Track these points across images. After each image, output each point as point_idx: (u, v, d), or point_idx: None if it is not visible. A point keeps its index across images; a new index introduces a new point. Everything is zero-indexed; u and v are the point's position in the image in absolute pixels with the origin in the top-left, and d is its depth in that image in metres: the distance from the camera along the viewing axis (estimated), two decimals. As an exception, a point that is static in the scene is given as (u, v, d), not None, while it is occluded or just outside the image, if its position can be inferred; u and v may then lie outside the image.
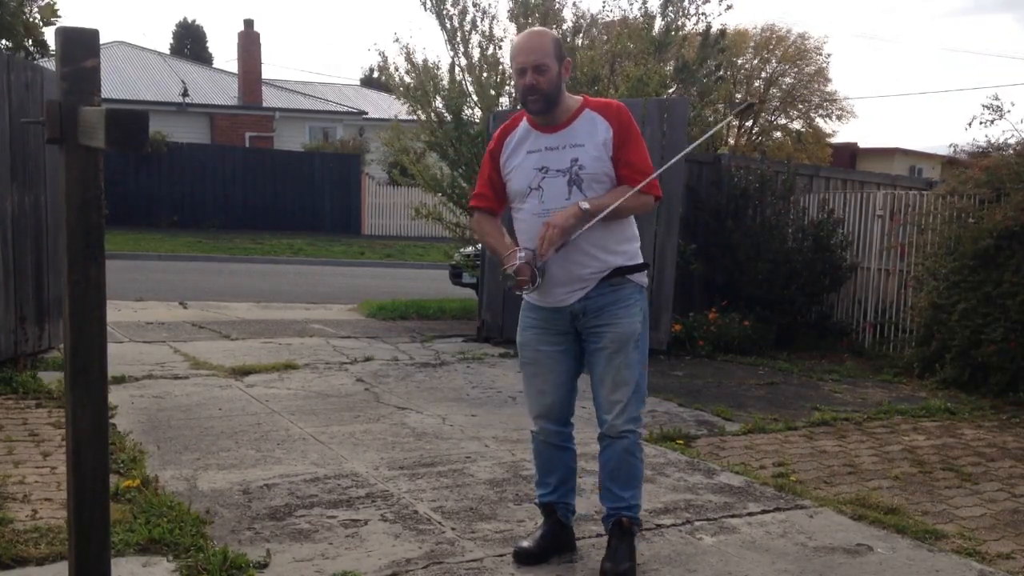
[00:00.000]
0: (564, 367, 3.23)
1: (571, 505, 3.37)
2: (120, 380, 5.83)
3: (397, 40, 10.37)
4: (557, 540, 3.30)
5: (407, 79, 10.14)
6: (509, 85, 9.88)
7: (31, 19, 6.52)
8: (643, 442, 3.27)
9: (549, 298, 3.15)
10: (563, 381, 3.25)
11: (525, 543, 3.28)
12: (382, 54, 10.47)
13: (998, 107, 7.75)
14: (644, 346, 3.18)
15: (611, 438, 3.17)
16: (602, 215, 3.01)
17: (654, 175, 3.16)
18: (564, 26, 10.00)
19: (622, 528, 3.17)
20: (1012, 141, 7.74)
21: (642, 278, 3.20)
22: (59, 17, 6.56)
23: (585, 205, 3.00)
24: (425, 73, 9.98)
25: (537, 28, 3.30)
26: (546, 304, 3.18)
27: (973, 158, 8.44)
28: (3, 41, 6.32)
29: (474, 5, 9.81)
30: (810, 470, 4.58)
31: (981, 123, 7.83)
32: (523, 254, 3.02)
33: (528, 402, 3.35)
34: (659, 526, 3.65)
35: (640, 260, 3.21)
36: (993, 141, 7.91)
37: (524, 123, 3.21)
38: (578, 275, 3.10)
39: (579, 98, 3.18)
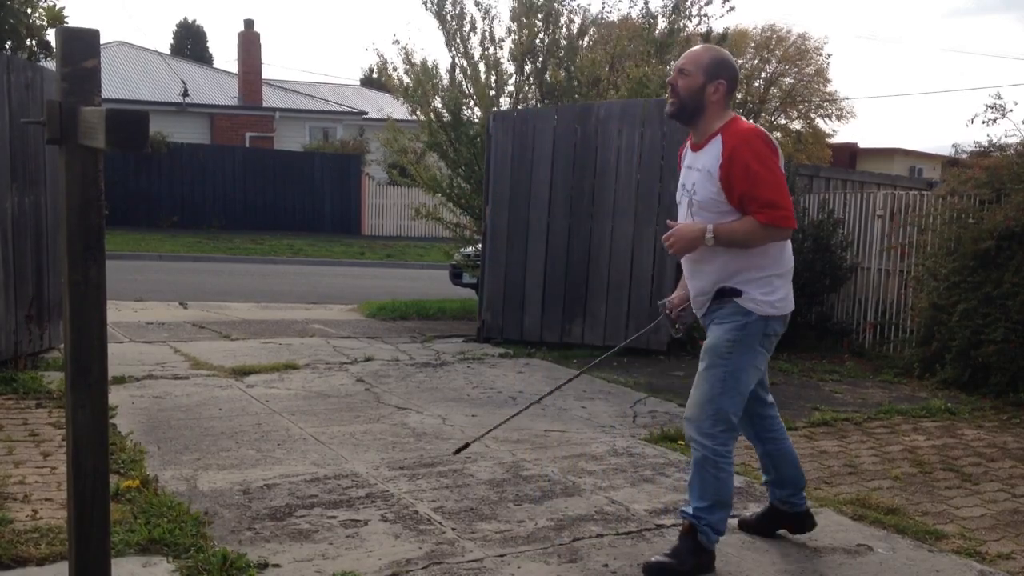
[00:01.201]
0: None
1: (777, 493, 3.56)
2: (120, 380, 5.83)
3: (396, 41, 10.36)
4: (773, 519, 3.58)
5: (406, 79, 10.14)
6: (509, 85, 9.88)
7: (36, 21, 6.51)
8: (722, 461, 3.22)
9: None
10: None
11: (747, 513, 3.73)
12: (380, 55, 10.47)
13: (1001, 106, 7.75)
14: (731, 366, 3.19)
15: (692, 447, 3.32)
16: (708, 238, 3.12)
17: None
18: (570, 27, 9.98)
19: (683, 528, 3.30)
20: (1013, 141, 7.74)
21: (753, 304, 3.18)
22: (66, 20, 6.55)
23: (710, 235, 3.11)
24: (424, 73, 9.97)
25: (708, 45, 3.40)
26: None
27: (973, 158, 8.44)
28: (7, 43, 6.32)
29: (476, 4, 9.81)
30: (810, 470, 4.58)
31: (983, 122, 7.84)
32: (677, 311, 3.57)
33: None
34: (659, 526, 3.65)
35: (758, 290, 3.18)
36: (994, 141, 7.92)
37: (689, 140, 3.33)
38: (699, 288, 3.30)
39: (723, 123, 3.16)
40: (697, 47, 3.29)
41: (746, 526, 3.66)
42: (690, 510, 3.26)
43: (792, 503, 3.56)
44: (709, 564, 3.26)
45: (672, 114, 3.23)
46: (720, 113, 3.18)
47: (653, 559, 3.25)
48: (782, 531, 3.64)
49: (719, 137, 3.13)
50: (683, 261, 3.35)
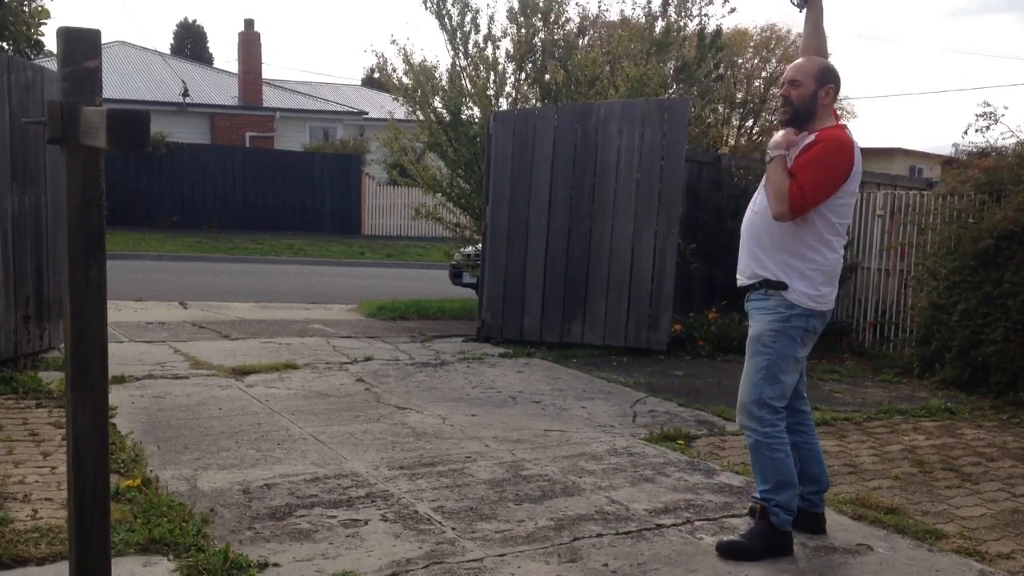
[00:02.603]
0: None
1: (803, 493, 3.57)
2: (120, 380, 5.83)
3: (394, 41, 10.35)
4: (801, 520, 3.57)
5: (405, 80, 10.14)
6: (508, 85, 9.88)
7: (29, 19, 6.51)
8: (773, 442, 3.42)
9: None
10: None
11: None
12: (380, 55, 10.45)
13: (991, 113, 7.77)
14: (774, 355, 3.41)
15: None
16: (774, 152, 3.41)
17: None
18: (568, 27, 9.99)
19: (754, 512, 3.52)
20: (1011, 142, 7.74)
21: (796, 297, 3.39)
22: (48, 20, 6.55)
23: (777, 152, 3.40)
24: (423, 73, 9.97)
25: (813, 57, 3.59)
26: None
27: (973, 158, 8.45)
28: (4, 44, 6.32)
29: (468, 5, 9.80)
30: (810, 470, 4.58)
31: (976, 130, 7.87)
32: None
33: None
34: (659, 526, 3.65)
35: (803, 282, 3.38)
36: (991, 143, 7.92)
37: None
38: (745, 265, 3.51)
39: (834, 128, 3.44)
40: (800, 60, 3.56)
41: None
42: (758, 494, 3.46)
43: (811, 501, 3.63)
44: (784, 547, 3.42)
45: (783, 122, 3.51)
46: (830, 116, 3.48)
47: (726, 539, 3.45)
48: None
49: (815, 134, 3.42)
50: (744, 240, 3.55)
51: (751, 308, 3.52)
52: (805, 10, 3.68)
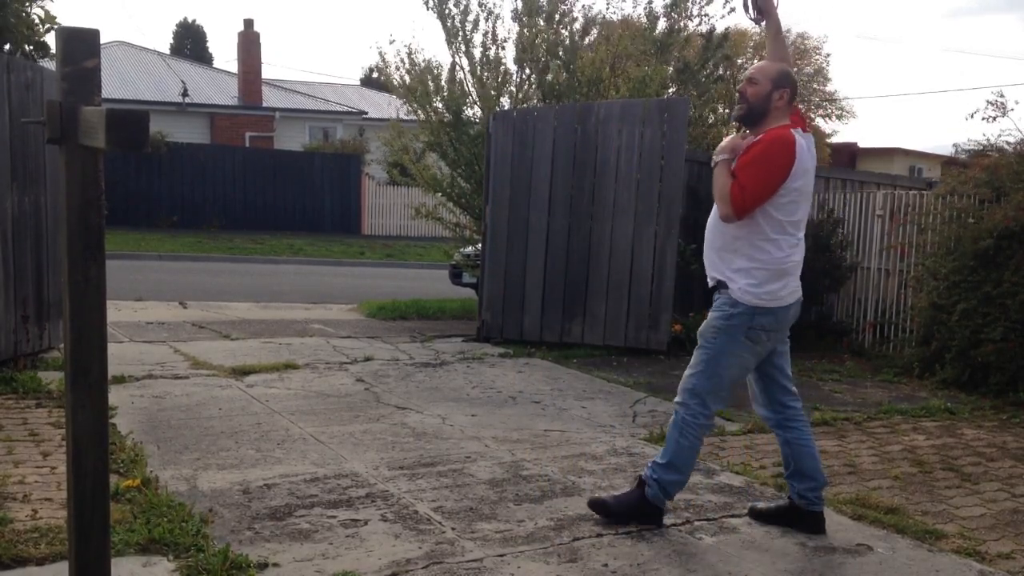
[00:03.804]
0: None
1: (795, 487, 3.66)
2: (120, 380, 5.83)
3: (394, 41, 10.35)
4: (787, 513, 3.69)
5: (407, 79, 10.13)
6: (510, 85, 9.88)
7: (35, 20, 6.51)
8: (687, 428, 3.54)
9: None
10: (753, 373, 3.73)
11: (761, 504, 3.83)
12: (381, 54, 10.45)
13: (1002, 104, 7.74)
14: (712, 351, 3.55)
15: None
16: (718, 157, 3.56)
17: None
18: (573, 27, 9.97)
19: (753, 510, 3.76)
20: (1012, 140, 7.74)
21: (739, 293, 3.50)
22: (55, 25, 6.55)
23: (721, 157, 3.56)
24: (425, 73, 9.97)
25: (776, 62, 3.71)
26: None
27: (973, 158, 8.45)
28: (6, 45, 6.32)
29: (479, 4, 9.81)
30: (810, 470, 4.57)
31: (984, 118, 7.83)
32: None
33: None
34: (660, 526, 3.65)
35: (748, 280, 3.49)
36: (993, 141, 7.91)
37: None
38: (706, 263, 3.66)
39: (783, 127, 3.52)
40: (765, 62, 3.71)
41: (757, 514, 3.76)
42: (650, 464, 3.65)
43: (808, 499, 3.65)
44: (650, 516, 3.61)
45: (736, 116, 3.65)
46: (783, 118, 3.54)
47: (599, 495, 3.75)
48: (782, 531, 3.64)
49: (768, 133, 3.52)
50: (705, 243, 3.71)
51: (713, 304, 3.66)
52: (764, 23, 3.85)
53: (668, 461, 3.57)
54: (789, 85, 3.55)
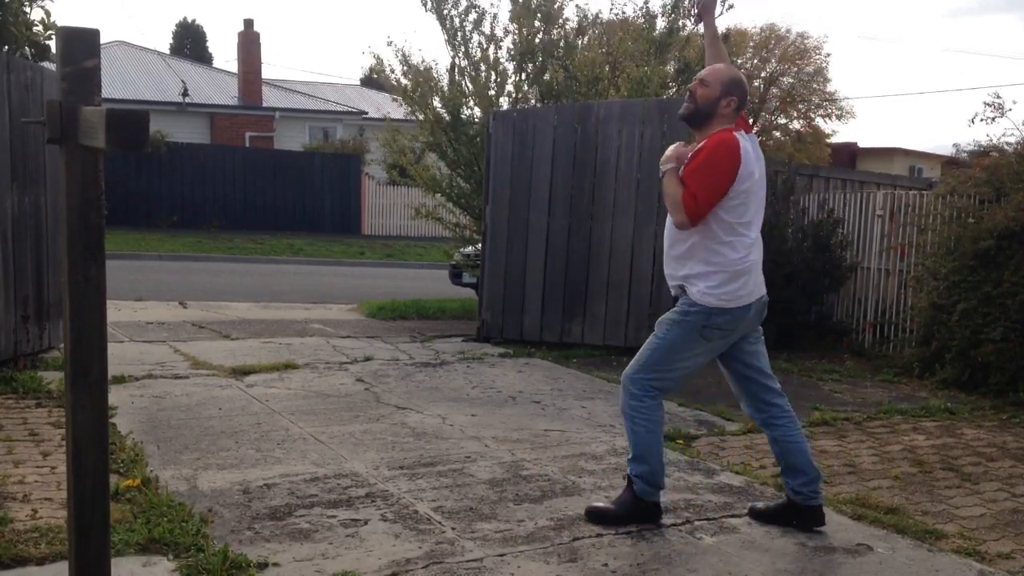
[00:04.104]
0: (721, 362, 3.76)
1: (789, 483, 3.69)
2: (120, 380, 5.83)
3: (391, 44, 10.32)
4: (786, 511, 3.71)
5: (404, 81, 10.13)
6: (508, 85, 9.88)
7: (33, 21, 6.51)
8: (636, 416, 3.60)
9: None
10: (726, 373, 3.77)
11: (760, 504, 3.85)
12: (377, 57, 10.43)
13: (999, 104, 7.75)
14: (663, 342, 3.58)
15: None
16: (665, 167, 3.62)
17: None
18: (568, 26, 9.98)
19: (753, 510, 3.79)
20: (1012, 140, 7.74)
21: (697, 294, 3.52)
22: (54, 30, 6.56)
23: (668, 166, 3.60)
24: (423, 74, 9.97)
25: (732, 67, 3.75)
26: None
27: (973, 158, 8.45)
28: (6, 46, 6.32)
29: (474, 6, 9.80)
30: (810, 470, 4.57)
31: (982, 120, 7.85)
32: None
33: None
34: (659, 526, 3.65)
35: (705, 282, 3.51)
36: (995, 141, 7.91)
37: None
38: (666, 269, 3.67)
39: (727, 131, 3.56)
40: (721, 65, 3.70)
41: (757, 514, 3.77)
42: (629, 460, 3.68)
43: (804, 494, 3.64)
44: (646, 515, 3.63)
45: (682, 114, 3.66)
46: (726, 124, 3.57)
47: (596, 504, 3.71)
48: (782, 531, 3.64)
49: (711, 138, 3.55)
50: (665, 248, 3.71)
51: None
52: (702, 24, 3.89)
53: (634, 455, 3.62)
54: (738, 94, 3.56)
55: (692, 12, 3.92)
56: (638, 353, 3.65)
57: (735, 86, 3.56)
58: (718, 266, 3.51)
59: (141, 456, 4.22)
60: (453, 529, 3.52)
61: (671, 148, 3.64)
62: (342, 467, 4.27)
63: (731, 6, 10.44)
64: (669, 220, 3.61)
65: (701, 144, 3.53)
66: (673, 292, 3.66)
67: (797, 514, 3.67)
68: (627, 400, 3.61)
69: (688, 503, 3.95)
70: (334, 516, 3.60)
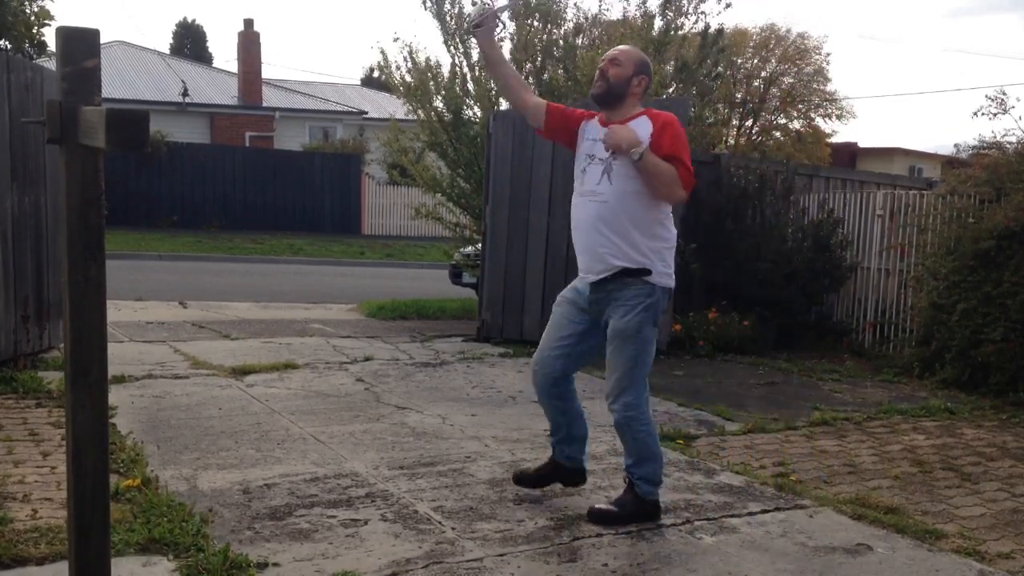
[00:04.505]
0: (572, 335, 3.69)
1: (564, 451, 3.82)
2: (120, 380, 5.83)
3: (397, 39, 10.35)
4: (555, 474, 3.86)
5: (408, 78, 10.13)
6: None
7: (31, 19, 6.51)
8: (644, 419, 3.63)
9: (583, 270, 3.63)
10: (565, 344, 3.70)
11: (528, 466, 3.95)
12: (383, 52, 10.45)
13: (1002, 101, 7.75)
14: (643, 343, 3.58)
15: (616, 422, 3.66)
16: (640, 149, 3.41)
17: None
18: (565, 27, 9.99)
19: (629, 484, 3.71)
20: (1013, 139, 7.74)
21: (658, 277, 3.54)
22: (51, 20, 6.56)
23: (642, 148, 3.41)
24: (426, 72, 9.97)
25: (636, 49, 3.79)
26: (583, 276, 3.62)
27: (974, 156, 8.45)
28: (3, 41, 6.32)
29: (473, 4, 9.80)
30: (810, 470, 4.58)
31: (984, 114, 7.85)
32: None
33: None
34: (659, 526, 3.65)
35: (662, 263, 3.54)
36: (996, 138, 7.91)
37: (596, 118, 3.67)
38: (600, 253, 3.50)
39: (642, 111, 3.59)
40: (628, 46, 3.77)
41: (524, 479, 3.92)
42: (627, 465, 3.69)
43: (576, 459, 3.86)
44: (649, 514, 3.66)
45: (595, 94, 3.60)
46: (637, 104, 3.61)
47: (598, 506, 3.70)
48: (782, 531, 3.64)
49: (644, 117, 3.55)
50: (590, 232, 3.53)
51: (609, 299, 3.56)
52: (480, 33, 3.67)
53: (635, 460, 3.65)
54: (648, 74, 3.62)
55: (471, 28, 3.63)
56: (617, 375, 3.57)
57: (647, 66, 3.62)
58: (668, 244, 3.58)
59: (141, 456, 4.22)
60: (453, 529, 3.52)
61: (624, 130, 3.46)
62: (342, 467, 4.27)
63: (728, 5, 10.47)
64: (610, 198, 3.47)
65: (660, 121, 3.51)
66: (605, 274, 3.50)
67: (567, 475, 3.87)
68: (622, 414, 3.59)
69: (688, 503, 3.95)
70: (334, 516, 3.60)
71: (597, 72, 3.61)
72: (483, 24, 3.61)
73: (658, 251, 3.54)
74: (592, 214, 3.52)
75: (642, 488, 3.65)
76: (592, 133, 3.63)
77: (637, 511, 3.65)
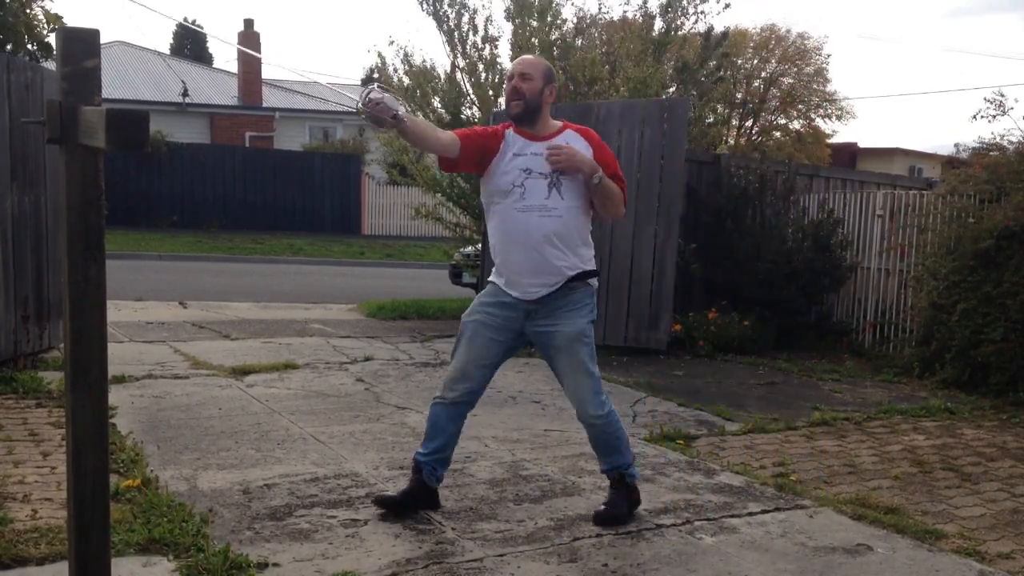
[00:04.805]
0: (493, 354, 3.70)
1: (438, 471, 3.71)
2: (120, 380, 5.83)
3: (392, 43, 10.37)
4: (418, 496, 3.67)
5: (405, 80, 10.14)
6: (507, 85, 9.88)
7: (35, 21, 6.50)
8: (613, 419, 3.67)
9: (515, 289, 3.58)
10: (486, 363, 3.69)
11: (390, 491, 3.74)
12: (380, 56, 10.45)
13: (1001, 102, 7.75)
14: (592, 341, 3.63)
15: (589, 424, 3.65)
16: (600, 173, 3.49)
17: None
18: (564, 27, 9.99)
19: (613, 481, 3.74)
20: (1013, 139, 7.74)
21: (594, 280, 3.68)
22: (59, 24, 6.55)
23: (600, 175, 3.49)
24: (423, 74, 9.98)
25: (532, 55, 3.73)
26: (513, 294, 3.59)
27: (974, 156, 8.45)
28: (8, 45, 6.31)
29: (465, 6, 9.81)
30: (810, 470, 4.58)
31: (983, 116, 7.86)
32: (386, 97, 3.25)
33: (450, 367, 3.77)
34: (659, 526, 3.65)
35: (594, 266, 3.67)
36: (996, 139, 7.91)
37: (511, 131, 3.59)
38: (555, 266, 3.50)
39: (558, 121, 3.65)
40: (525, 56, 3.75)
41: (390, 503, 3.64)
42: (611, 466, 3.70)
43: (439, 480, 3.75)
44: (638, 498, 3.79)
45: (516, 114, 3.54)
46: (549, 113, 3.63)
47: (603, 510, 3.67)
48: (782, 531, 3.65)
49: (569, 131, 3.60)
50: (543, 247, 3.49)
51: (554, 308, 3.56)
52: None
53: (619, 451, 3.69)
54: (555, 80, 3.63)
55: (365, 111, 3.34)
56: (583, 371, 3.55)
57: (552, 73, 3.62)
58: (593, 248, 3.69)
59: (141, 456, 4.22)
60: (453, 529, 3.52)
61: (579, 151, 3.49)
62: (342, 467, 4.27)
63: (728, 5, 10.47)
64: (564, 212, 3.49)
65: (591, 137, 3.61)
66: (554, 287, 3.52)
67: (428, 498, 3.69)
68: (607, 416, 3.61)
69: (688, 503, 3.95)
70: (334, 516, 3.60)
71: (509, 90, 3.54)
72: (382, 123, 3.36)
73: (591, 256, 3.65)
74: (546, 229, 3.48)
75: (631, 474, 3.74)
76: (520, 147, 3.53)
77: (634, 499, 3.75)
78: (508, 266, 3.59)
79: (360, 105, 3.19)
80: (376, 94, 3.19)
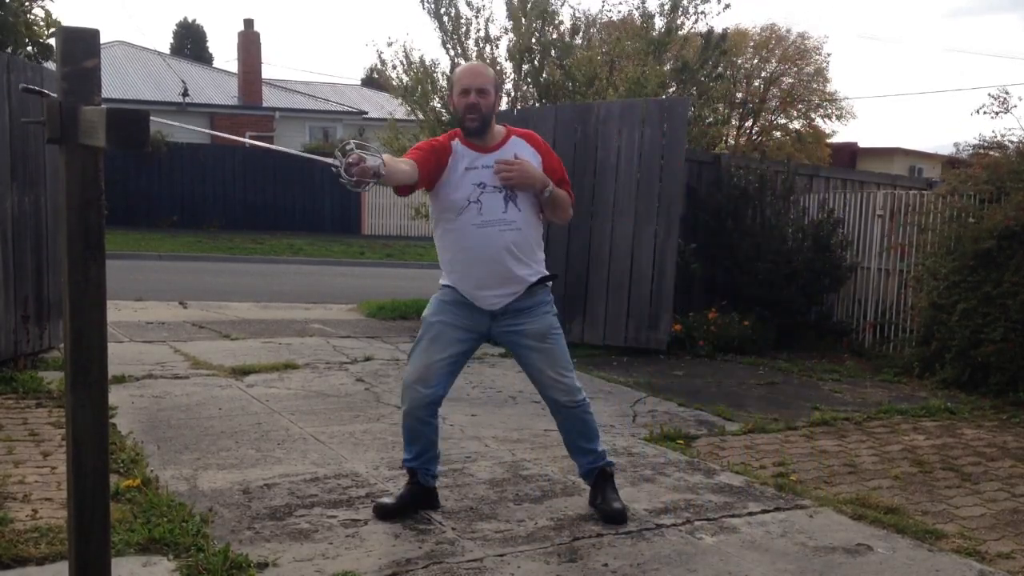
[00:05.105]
0: (458, 354, 3.63)
1: (431, 470, 3.72)
2: (120, 380, 5.83)
3: (391, 43, 10.35)
4: (417, 499, 3.69)
5: (405, 79, 10.14)
6: (508, 84, 9.88)
7: (34, 22, 6.50)
8: (585, 400, 3.77)
9: (481, 302, 3.60)
10: (451, 363, 3.62)
11: (386, 499, 3.70)
12: (380, 55, 10.46)
13: (1005, 99, 7.75)
14: (561, 333, 3.79)
15: (568, 409, 3.70)
16: (551, 185, 3.55)
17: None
18: (562, 27, 9.99)
19: (603, 475, 3.80)
20: (1014, 139, 7.74)
21: (550, 281, 3.79)
22: (55, 25, 6.55)
23: (551, 187, 3.55)
24: (423, 73, 9.98)
25: (480, 62, 3.71)
26: (478, 305, 3.60)
27: (974, 155, 8.45)
28: (8, 48, 6.31)
29: (468, 4, 9.81)
30: (810, 470, 4.58)
31: (986, 113, 7.85)
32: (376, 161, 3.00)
33: (411, 368, 3.62)
34: (659, 526, 3.65)
35: (545, 268, 3.77)
36: (997, 137, 7.91)
37: (458, 142, 3.55)
38: (518, 275, 3.56)
39: (502, 127, 3.64)
40: (474, 66, 3.74)
41: (387, 511, 3.61)
42: (595, 460, 3.79)
43: (434, 477, 3.77)
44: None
45: (474, 130, 3.51)
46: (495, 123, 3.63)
47: (609, 508, 3.69)
48: (782, 531, 3.65)
49: (516, 138, 3.61)
50: (504, 259, 3.51)
51: (518, 312, 3.64)
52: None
53: (594, 441, 3.79)
54: (503, 87, 3.72)
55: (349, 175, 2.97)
56: (566, 364, 3.70)
57: (502, 82, 3.76)
58: (543, 247, 3.76)
59: (141, 456, 4.22)
60: (453, 529, 3.52)
61: (529, 167, 3.50)
62: (342, 467, 4.27)
63: (727, 6, 10.47)
64: (522, 224, 3.53)
65: (539, 145, 3.63)
66: (517, 295, 3.59)
67: (428, 497, 3.72)
68: (583, 403, 3.70)
69: (688, 503, 3.95)
70: (334, 516, 3.60)
71: (465, 106, 3.46)
72: (366, 185, 3.03)
73: (543, 257, 3.73)
74: (506, 242, 3.49)
75: (610, 463, 3.85)
76: (471, 160, 3.50)
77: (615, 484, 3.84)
78: (470, 280, 3.57)
79: (343, 174, 2.91)
80: (353, 157, 2.94)
